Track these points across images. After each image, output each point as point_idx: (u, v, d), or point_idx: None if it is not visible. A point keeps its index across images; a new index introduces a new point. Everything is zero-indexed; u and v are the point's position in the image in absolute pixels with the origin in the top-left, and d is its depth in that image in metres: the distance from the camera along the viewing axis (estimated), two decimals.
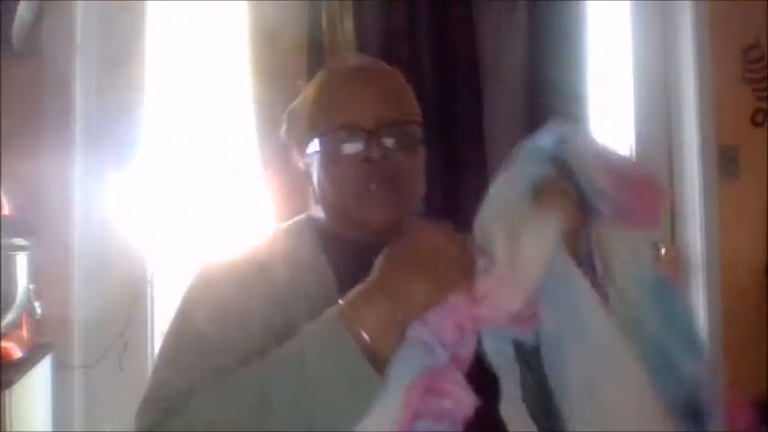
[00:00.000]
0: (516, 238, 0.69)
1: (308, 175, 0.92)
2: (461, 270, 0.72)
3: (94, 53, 1.49)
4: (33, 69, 1.41)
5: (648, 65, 1.72)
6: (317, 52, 1.45)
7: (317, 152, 0.87)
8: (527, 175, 0.73)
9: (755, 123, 1.75)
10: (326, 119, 0.87)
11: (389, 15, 1.50)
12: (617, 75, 1.75)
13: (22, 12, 1.34)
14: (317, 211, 0.92)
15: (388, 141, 0.85)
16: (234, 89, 1.53)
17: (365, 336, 0.68)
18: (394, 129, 0.86)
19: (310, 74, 1.42)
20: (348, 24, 1.48)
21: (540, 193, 0.72)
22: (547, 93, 1.56)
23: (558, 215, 0.70)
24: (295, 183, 1.02)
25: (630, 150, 1.73)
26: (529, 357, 0.74)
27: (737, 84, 1.73)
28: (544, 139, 0.75)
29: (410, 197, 0.89)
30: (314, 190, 0.92)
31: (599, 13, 1.67)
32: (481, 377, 0.69)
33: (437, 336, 0.68)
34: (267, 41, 1.47)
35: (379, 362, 0.67)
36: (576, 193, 0.73)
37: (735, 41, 1.71)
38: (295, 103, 0.97)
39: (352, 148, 0.85)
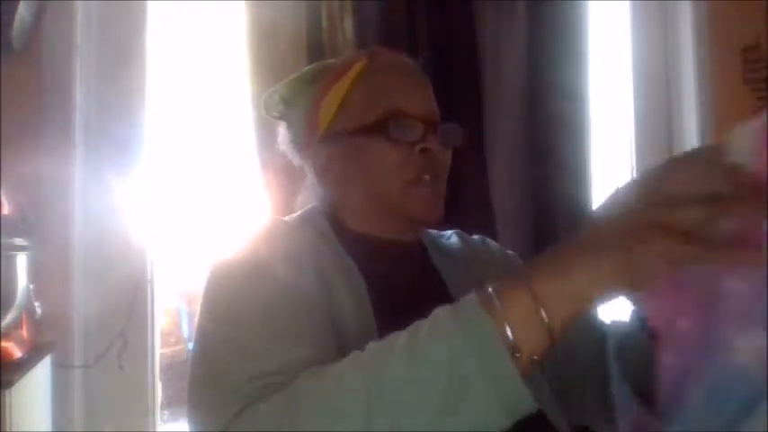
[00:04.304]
0: None
1: (325, 170, 0.89)
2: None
3: (94, 53, 1.49)
4: (33, 69, 1.41)
5: (648, 65, 1.72)
6: (316, 52, 1.45)
7: (359, 140, 0.84)
8: None
9: None
10: (380, 104, 0.85)
11: (389, 15, 1.50)
12: (617, 75, 1.74)
13: (22, 12, 1.34)
14: (327, 208, 0.91)
15: (442, 136, 0.86)
16: (233, 89, 1.52)
17: (509, 332, 0.52)
18: (444, 124, 0.88)
19: None
20: (348, 24, 1.48)
21: None
22: (547, 93, 1.56)
23: None
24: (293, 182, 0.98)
25: (630, 150, 1.73)
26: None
27: (737, 84, 1.72)
28: None
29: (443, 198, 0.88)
30: (325, 187, 0.90)
31: (599, 13, 1.67)
32: None
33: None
34: (266, 41, 1.47)
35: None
36: None
37: (735, 41, 1.71)
38: (283, 97, 0.94)
39: (410, 135, 0.84)
